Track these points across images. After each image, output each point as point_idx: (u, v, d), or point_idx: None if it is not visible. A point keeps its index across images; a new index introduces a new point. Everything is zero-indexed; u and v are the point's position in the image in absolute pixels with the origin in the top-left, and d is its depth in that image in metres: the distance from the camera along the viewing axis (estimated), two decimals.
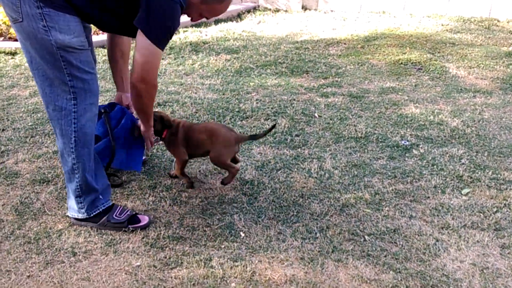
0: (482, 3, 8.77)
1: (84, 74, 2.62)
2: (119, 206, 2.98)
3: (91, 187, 2.85)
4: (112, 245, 2.77)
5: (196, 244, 2.79)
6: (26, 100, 4.65)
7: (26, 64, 5.58)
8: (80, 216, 2.90)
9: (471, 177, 3.54)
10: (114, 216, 2.93)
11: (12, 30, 6.39)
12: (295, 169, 3.60)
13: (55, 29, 2.48)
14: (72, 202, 2.89)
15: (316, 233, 2.91)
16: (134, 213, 2.98)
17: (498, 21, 8.74)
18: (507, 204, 3.24)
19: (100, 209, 2.92)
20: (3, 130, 4.05)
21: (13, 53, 5.92)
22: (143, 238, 2.83)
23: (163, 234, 2.86)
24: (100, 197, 2.92)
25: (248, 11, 8.72)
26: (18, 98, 4.69)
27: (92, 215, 2.90)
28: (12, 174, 3.45)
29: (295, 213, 3.09)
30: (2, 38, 6.44)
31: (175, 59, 5.97)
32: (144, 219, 2.97)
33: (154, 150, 3.79)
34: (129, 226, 2.91)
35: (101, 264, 2.63)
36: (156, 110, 3.35)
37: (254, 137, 3.29)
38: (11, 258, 2.66)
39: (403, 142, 4.03)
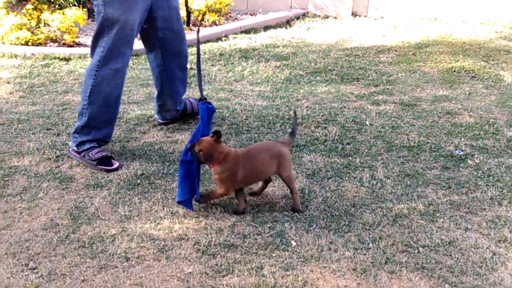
0: None
1: None
2: (100, 149, 3.69)
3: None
4: (164, 251, 2.79)
5: (247, 252, 2.79)
6: None
7: (80, 70, 5.71)
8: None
9: None
10: (90, 154, 3.64)
11: (66, 36, 6.54)
12: (346, 178, 3.56)
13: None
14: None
15: (368, 244, 2.86)
16: (108, 155, 3.66)
17: None
18: None
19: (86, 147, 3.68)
20: (58, 134, 4.14)
21: (67, 59, 6.05)
22: (194, 244, 2.84)
23: (215, 241, 2.87)
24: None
25: (297, 18, 8.69)
26: (72, 104, 4.79)
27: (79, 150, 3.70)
28: (67, 178, 3.52)
29: (346, 223, 3.05)
30: (57, 44, 6.60)
31: (224, 65, 6.00)
32: (115, 164, 3.62)
33: None
34: (98, 166, 3.59)
35: (153, 270, 2.66)
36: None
37: (293, 134, 3.28)
38: (66, 262, 2.71)
39: (457, 152, 3.94)
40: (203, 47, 6.68)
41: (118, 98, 3.78)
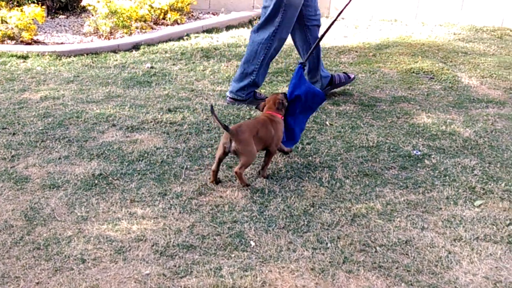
0: (495, 12, 8.71)
1: None
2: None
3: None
4: (121, 252, 2.76)
5: (206, 253, 2.78)
6: (37, 104, 4.65)
7: (38, 68, 5.61)
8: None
9: (483, 189, 3.51)
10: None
11: (24, 34, 6.41)
12: (306, 178, 3.57)
13: None
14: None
15: (327, 244, 2.88)
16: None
17: (511, 30, 8.68)
18: None
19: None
20: (13, 134, 4.06)
21: (24, 57, 5.93)
22: (152, 246, 2.82)
23: (173, 242, 2.85)
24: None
25: (259, 18, 8.71)
26: (29, 102, 4.69)
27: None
28: (22, 178, 3.45)
29: (305, 223, 3.07)
30: (14, 41, 6.46)
31: (186, 64, 5.96)
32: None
33: (165, 157, 3.78)
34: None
35: (110, 271, 2.62)
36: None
37: (226, 128, 3.34)
38: (20, 264, 2.65)
39: (415, 152, 3.99)
40: (164, 46, 6.64)
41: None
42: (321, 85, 5.06)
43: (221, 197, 3.32)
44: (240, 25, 8.19)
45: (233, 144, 3.32)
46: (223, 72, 5.78)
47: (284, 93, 3.76)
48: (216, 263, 2.70)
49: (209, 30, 7.65)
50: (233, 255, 2.77)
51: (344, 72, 5.32)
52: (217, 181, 3.47)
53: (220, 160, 3.43)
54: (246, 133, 3.36)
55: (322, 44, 7.12)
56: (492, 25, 8.70)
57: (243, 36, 7.44)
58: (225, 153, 3.39)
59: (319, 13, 4.92)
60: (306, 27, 4.84)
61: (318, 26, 4.92)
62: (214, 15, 8.83)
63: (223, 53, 6.47)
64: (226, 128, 3.29)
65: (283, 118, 3.69)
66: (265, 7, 4.67)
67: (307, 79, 4.31)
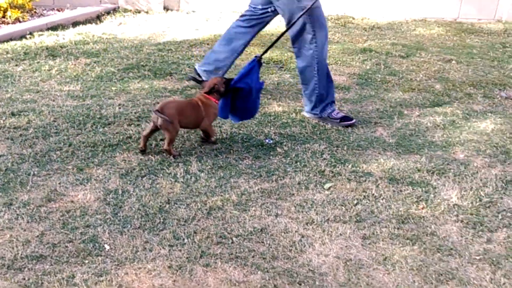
0: (338, 2, 9.15)
1: None
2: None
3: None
4: None
5: (58, 262, 2.65)
6: None
7: None
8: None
9: (332, 172, 3.67)
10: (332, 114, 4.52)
11: None
12: (161, 175, 3.53)
13: None
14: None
15: (184, 239, 2.87)
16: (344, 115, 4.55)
17: (353, 18, 9.17)
18: (366, 196, 3.39)
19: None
20: None
21: None
22: None
23: (21, 254, 2.68)
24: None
25: (108, 13, 8.46)
26: None
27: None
28: None
29: (161, 220, 3.03)
30: None
31: (30, 65, 5.65)
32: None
33: (9, 164, 3.55)
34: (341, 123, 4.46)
35: None
36: None
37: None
38: None
39: (267, 140, 4.09)
40: (4, 46, 6.25)
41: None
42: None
43: (72, 201, 3.18)
44: (88, 21, 7.93)
45: (159, 120, 3.63)
46: (71, 71, 5.55)
47: (227, 79, 3.98)
48: (68, 271, 2.58)
49: (54, 28, 7.32)
50: (86, 261, 2.67)
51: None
52: (145, 149, 3.78)
53: (152, 131, 3.77)
54: (171, 110, 3.67)
55: (173, 37, 7.10)
56: (336, 14, 9.13)
57: (91, 32, 7.21)
58: (155, 127, 3.71)
59: None
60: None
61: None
62: (59, 11, 8.47)
63: (70, 51, 6.21)
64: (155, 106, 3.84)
65: (217, 101, 3.92)
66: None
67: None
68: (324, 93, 4.51)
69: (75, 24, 7.67)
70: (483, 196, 3.42)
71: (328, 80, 4.54)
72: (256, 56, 4.01)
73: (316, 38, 4.41)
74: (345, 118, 4.54)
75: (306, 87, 4.56)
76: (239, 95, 3.93)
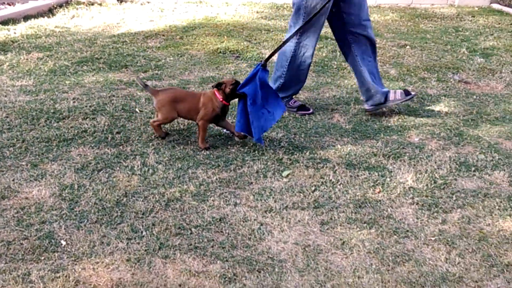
0: None
1: None
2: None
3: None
4: None
5: (13, 260, 2.61)
6: None
7: None
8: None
9: (290, 159, 3.68)
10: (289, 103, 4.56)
11: None
12: (118, 168, 3.49)
13: None
14: None
15: (142, 232, 2.84)
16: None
17: None
18: (324, 182, 3.41)
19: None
20: None
21: None
22: None
23: None
24: None
25: (60, 6, 8.28)
26: None
27: None
28: None
29: (119, 214, 3.00)
30: None
31: None
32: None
33: None
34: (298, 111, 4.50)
35: None
36: None
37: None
38: None
39: (224, 130, 4.08)
40: None
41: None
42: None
43: (26, 198, 3.12)
44: (40, 14, 7.77)
45: (154, 101, 3.83)
46: (23, 65, 5.44)
47: (236, 81, 3.85)
48: (24, 268, 2.54)
49: (4, 22, 7.14)
50: (42, 258, 2.62)
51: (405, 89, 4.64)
52: (164, 134, 3.95)
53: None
54: (165, 95, 3.80)
55: (128, 29, 7.00)
56: (290, 2, 9.12)
57: (43, 26, 7.07)
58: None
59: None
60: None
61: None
62: (9, 5, 8.28)
63: (22, 46, 6.08)
64: (145, 86, 3.87)
65: (224, 101, 3.83)
66: None
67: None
68: (288, 86, 4.52)
69: (26, 18, 7.50)
70: (437, 178, 3.49)
71: (300, 78, 4.52)
72: (259, 63, 3.86)
73: (302, 37, 4.37)
74: (302, 108, 4.56)
75: (275, 71, 4.57)
76: (245, 103, 3.82)
